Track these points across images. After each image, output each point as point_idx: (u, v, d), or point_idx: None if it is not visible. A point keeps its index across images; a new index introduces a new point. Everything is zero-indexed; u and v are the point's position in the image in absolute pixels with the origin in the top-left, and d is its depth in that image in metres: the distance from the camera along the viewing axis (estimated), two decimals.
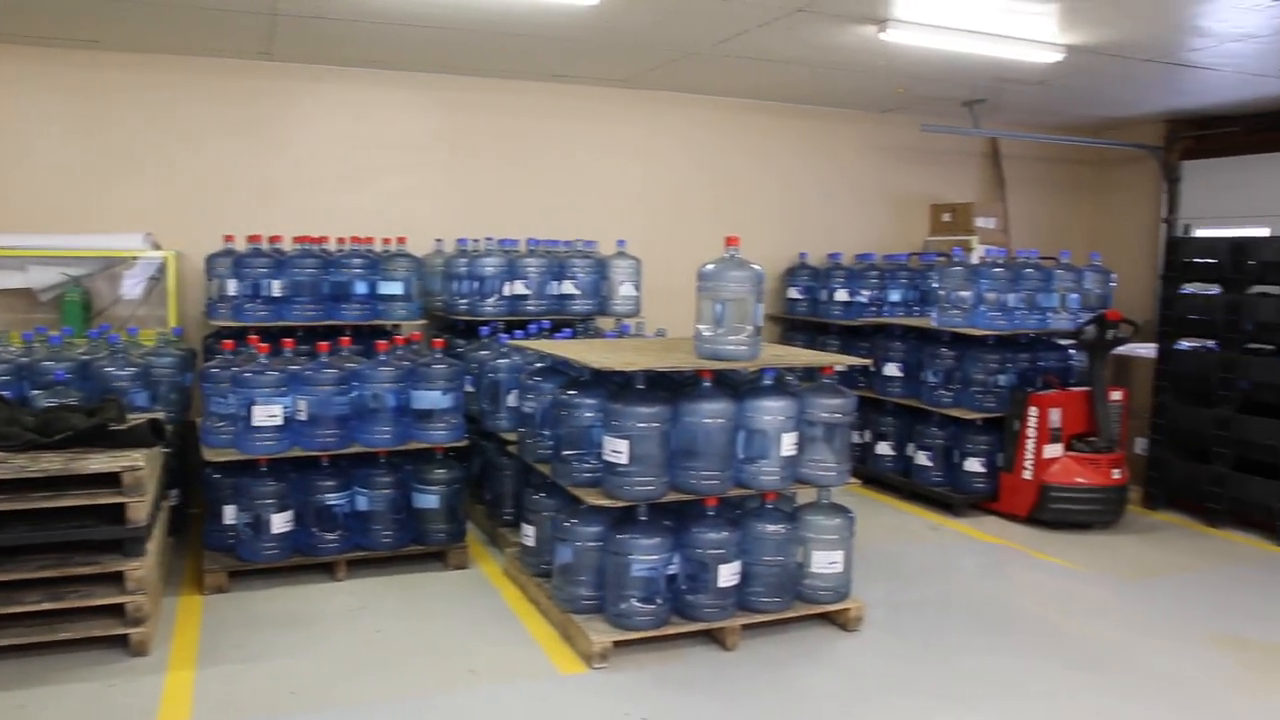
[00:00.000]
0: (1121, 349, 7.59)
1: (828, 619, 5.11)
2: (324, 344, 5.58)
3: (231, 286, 6.33)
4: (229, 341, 5.82)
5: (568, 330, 6.59)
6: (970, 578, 6.00)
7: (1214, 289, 7.24)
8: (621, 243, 7.61)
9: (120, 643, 4.56)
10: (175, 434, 5.94)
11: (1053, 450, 6.87)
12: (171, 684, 4.29)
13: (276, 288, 6.31)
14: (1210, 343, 7.22)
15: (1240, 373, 6.91)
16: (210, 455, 5.38)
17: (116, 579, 4.49)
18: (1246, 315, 6.87)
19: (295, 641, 4.79)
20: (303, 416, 5.40)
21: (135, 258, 6.76)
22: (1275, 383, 6.65)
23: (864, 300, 8.51)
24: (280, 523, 5.41)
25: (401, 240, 6.97)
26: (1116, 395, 7.23)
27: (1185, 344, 7.43)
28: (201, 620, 5.00)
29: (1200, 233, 9.06)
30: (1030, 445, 6.87)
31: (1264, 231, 8.75)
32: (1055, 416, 6.87)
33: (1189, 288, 7.45)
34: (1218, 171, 9.72)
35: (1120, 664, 4.76)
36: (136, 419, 5.01)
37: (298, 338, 5.82)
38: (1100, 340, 6.99)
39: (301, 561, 5.57)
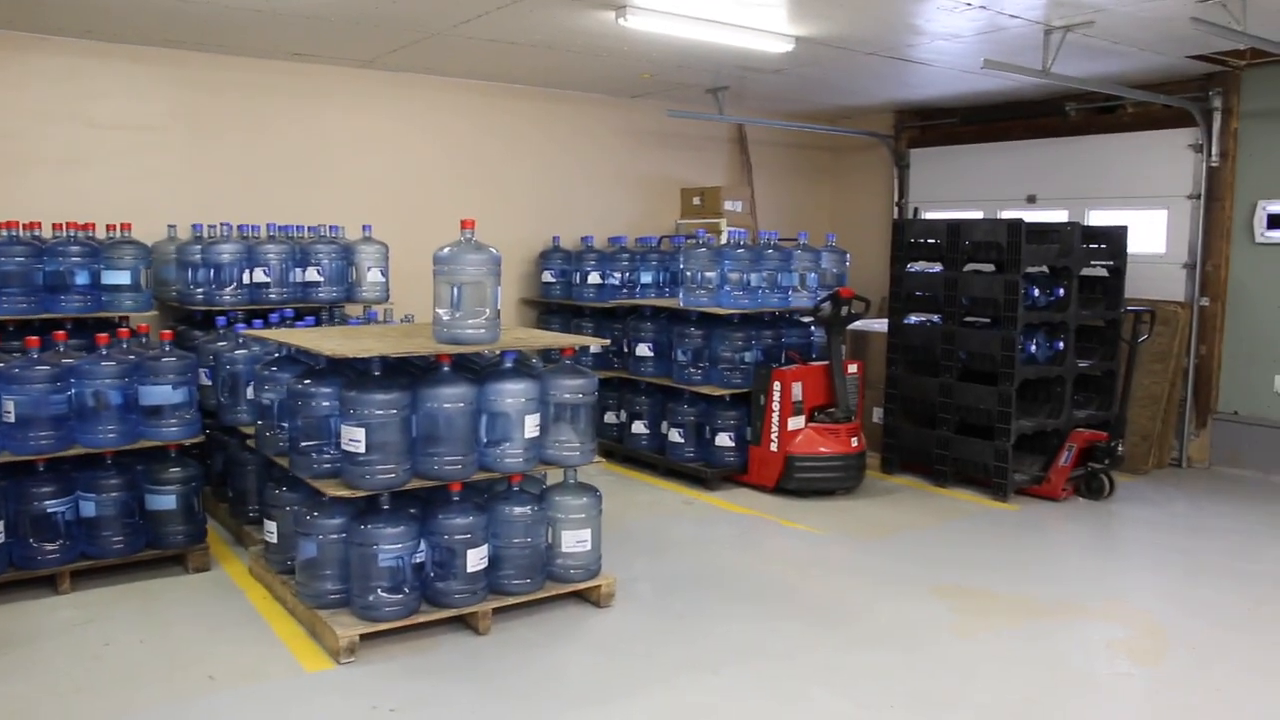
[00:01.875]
0: (858, 324, 8.07)
1: (581, 597, 5.18)
2: (34, 339, 5.14)
3: None
4: None
5: (311, 318, 6.36)
6: (722, 548, 6.23)
7: (936, 267, 7.81)
8: (367, 228, 7.42)
9: None
10: None
11: (796, 422, 7.22)
12: None
13: None
14: (935, 317, 7.77)
15: (959, 344, 7.48)
16: None
17: None
18: (963, 291, 7.45)
19: (9, 664, 4.39)
20: (11, 418, 4.96)
21: None
22: (988, 352, 7.24)
23: (616, 282, 8.66)
24: None
25: (126, 226, 6.51)
26: (853, 368, 7.68)
27: (913, 319, 7.98)
28: None
29: (927, 215, 9.77)
30: (775, 418, 7.20)
31: (978, 213, 9.54)
32: (797, 390, 7.23)
33: (915, 266, 8.00)
34: (940, 159, 10.49)
35: (853, 619, 5.07)
36: None
37: (7, 333, 5.35)
38: (836, 317, 7.39)
39: (17, 576, 5.12)
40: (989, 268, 7.41)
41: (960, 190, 10.23)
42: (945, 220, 7.81)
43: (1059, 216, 8.92)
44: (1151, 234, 8.68)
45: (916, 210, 10.54)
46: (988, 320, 7.42)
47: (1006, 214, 9.16)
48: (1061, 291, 7.39)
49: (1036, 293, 7.37)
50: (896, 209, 10.85)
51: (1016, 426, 7.13)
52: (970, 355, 7.44)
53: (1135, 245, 8.00)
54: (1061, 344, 7.40)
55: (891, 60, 7.81)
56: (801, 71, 8.31)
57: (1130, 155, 8.85)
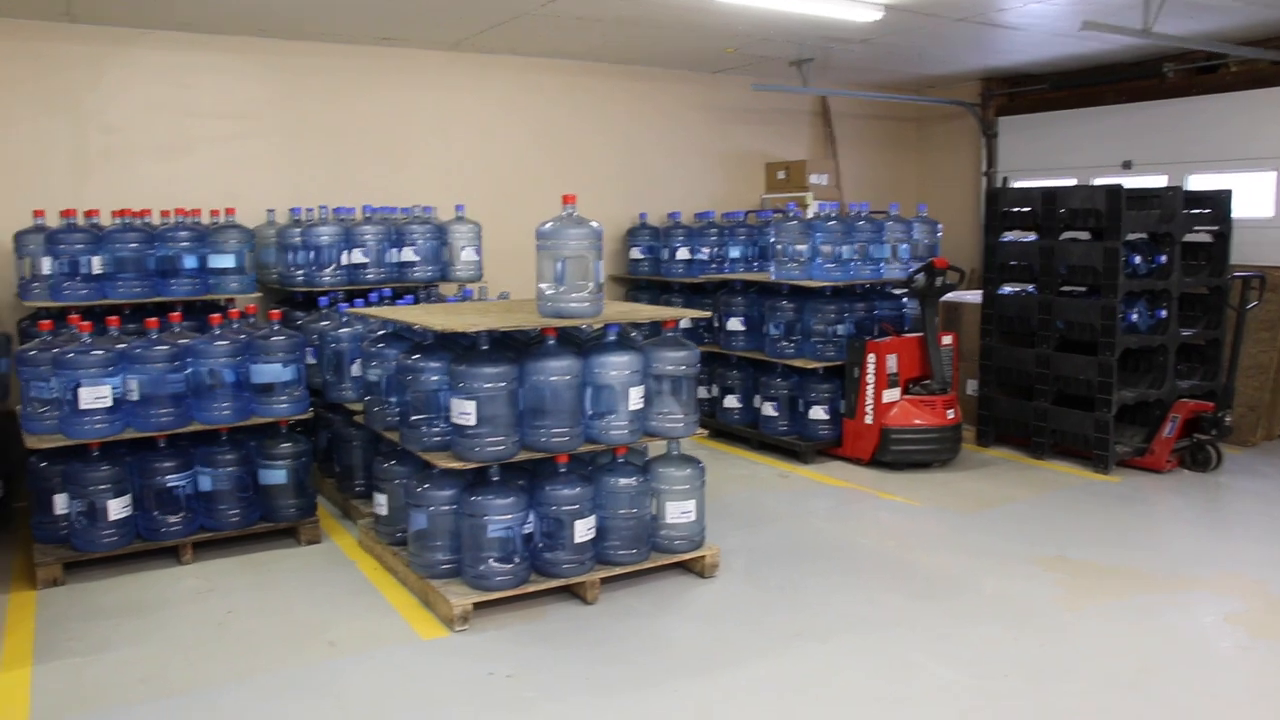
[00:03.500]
0: (950, 295, 7.96)
1: (684, 568, 5.23)
2: (153, 320, 5.33)
3: (46, 265, 5.99)
4: (47, 322, 5.50)
5: (409, 297, 6.49)
6: (819, 521, 6.22)
7: (1030, 236, 7.66)
8: (460, 208, 7.53)
9: None
10: None
11: (891, 395, 7.17)
12: (5, 684, 4.06)
13: (97, 264, 6.01)
14: (1030, 287, 7.64)
15: (1056, 313, 7.34)
16: (34, 442, 5.07)
17: None
18: (1060, 260, 7.30)
19: (141, 629, 4.60)
20: (135, 397, 5.15)
21: None
22: (1087, 321, 7.10)
23: (705, 258, 8.67)
24: (117, 509, 5.17)
25: (230, 211, 6.70)
26: (947, 340, 7.58)
27: (1007, 289, 7.85)
28: (36, 616, 4.74)
29: (1017, 184, 9.58)
30: (870, 391, 7.15)
31: (1071, 181, 9.33)
32: (892, 362, 7.17)
33: (1008, 235, 7.86)
34: (1029, 126, 10.28)
35: (956, 590, 5.04)
36: None
37: (124, 316, 5.55)
38: (930, 288, 7.30)
39: (143, 547, 5.34)
40: (1085, 236, 7.25)
41: (1051, 158, 10.02)
42: (1040, 188, 7.66)
43: (1157, 182, 8.68)
44: (1259, 197, 8.40)
45: (1005, 180, 10.34)
46: (1085, 289, 7.27)
47: (1100, 181, 8.94)
48: (1164, 258, 7.20)
49: (1137, 260, 7.19)
50: (984, 179, 10.67)
51: (1118, 397, 6.98)
52: (1068, 325, 7.30)
53: (1241, 210, 7.74)
54: (1164, 312, 7.22)
55: (981, 26, 7.67)
56: (888, 40, 8.20)
57: (1234, 116, 8.57)
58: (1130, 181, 7.33)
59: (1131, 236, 7.13)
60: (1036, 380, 7.47)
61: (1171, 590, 5.03)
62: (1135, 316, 7.21)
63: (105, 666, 4.22)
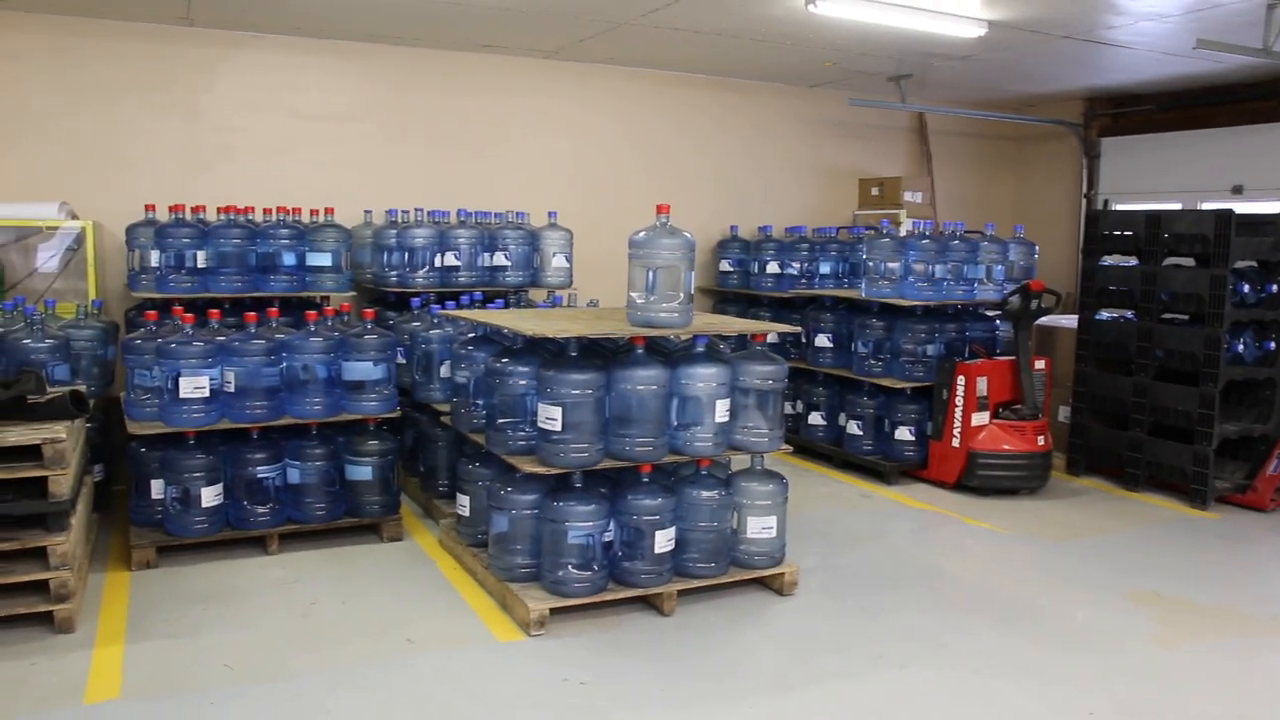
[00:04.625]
0: (1045, 319, 7.77)
1: (762, 584, 5.18)
2: (252, 314, 5.47)
3: (154, 257, 6.19)
4: (153, 312, 5.67)
5: (499, 301, 6.56)
6: (901, 542, 6.12)
7: (1132, 261, 7.45)
8: (553, 214, 7.58)
9: (44, 620, 4.45)
10: (97, 409, 5.80)
11: (980, 418, 7.02)
12: (99, 660, 4.20)
13: (201, 258, 6.19)
14: (1128, 313, 7.42)
15: (1156, 341, 7.12)
16: (135, 428, 5.25)
17: (39, 555, 4.37)
18: (1162, 286, 7.08)
19: (228, 615, 4.72)
20: (231, 388, 5.30)
21: (51, 228, 6.53)
22: (1188, 350, 6.87)
23: (795, 272, 8.60)
24: (210, 496, 5.32)
25: (329, 211, 6.86)
26: (1040, 364, 7.40)
27: (1105, 314, 7.64)
28: (129, 596, 4.90)
29: (1118, 207, 9.32)
30: (958, 414, 7.02)
31: (1176, 206, 9.04)
32: (982, 385, 7.02)
33: (1108, 260, 7.65)
34: (1134, 148, 9.99)
35: (1043, 620, 4.90)
36: (56, 391, 4.87)
37: (223, 309, 5.71)
38: (1025, 310, 7.15)
39: (232, 535, 5.49)
40: (1190, 262, 7.02)
41: (1156, 181, 9.72)
42: (1144, 211, 7.43)
43: (1269, 208, 8.36)
44: None
45: (1107, 202, 10.06)
46: (1188, 317, 7.03)
47: (1208, 206, 8.65)
48: (1275, 288, 6.93)
49: (1245, 288, 6.93)
50: (1085, 201, 10.39)
51: (1219, 430, 6.74)
52: (1168, 354, 7.07)
53: None
54: (1273, 344, 6.95)
55: (1087, 44, 7.48)
56: (990, 57, 8.05)
57: None
58: (1241, 207, 7.08)
59: (1240, 264, 6.88)
60: (1133, 409, 7.24)
61: (1274, 633, 4.82)
62: (1241, 347, 6.95)
63: (193, 649, 4.34)
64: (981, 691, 4.13)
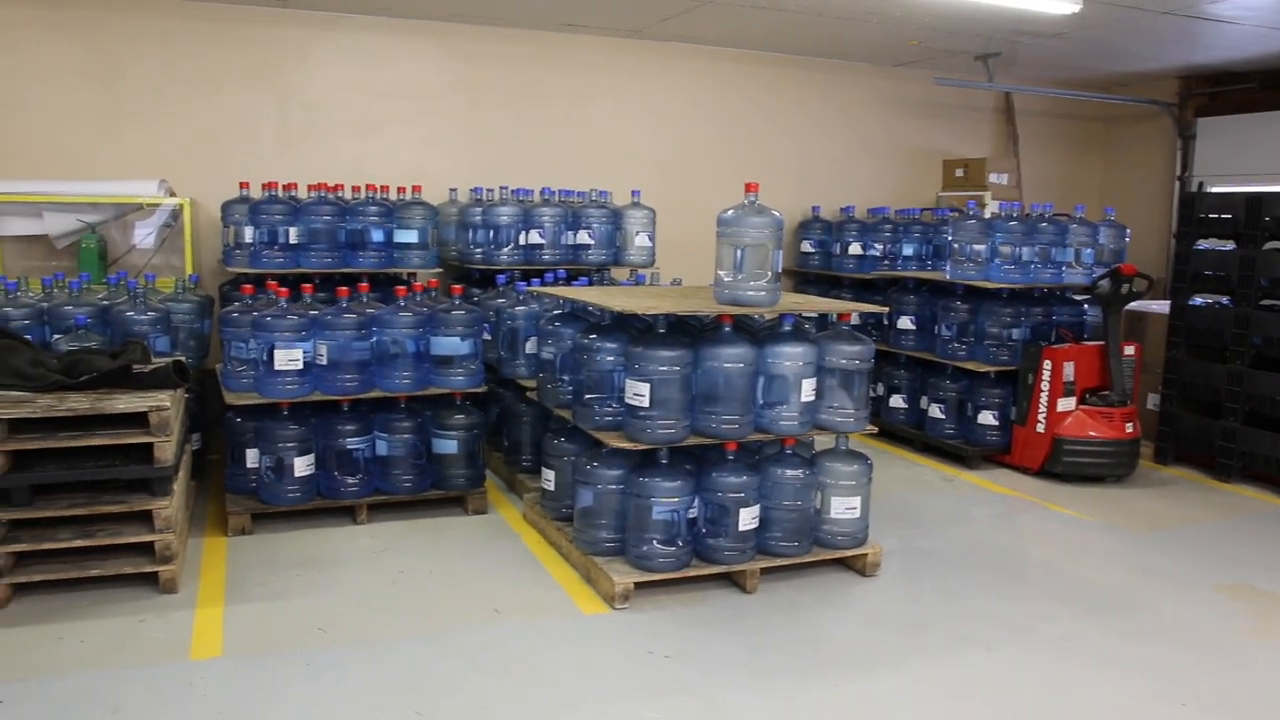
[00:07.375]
0: (1134, 304, 7.61)
1: (845, 564, 5.17)
2: (343, 289, 5.60)
3: (248, 234, 6.35)
4: (249, 286, 5.84)
5: (583, 279, 6.60)
6: (984, 527, 6.06)
7: (1229, 245, 7.24)
8: (636, 193, 7.61)
9: (149, 580, 4.63)
10: (194, 380, 5.98)
11: (1066, 404, 6.90)
12: (201, 619, 4.36)
13: (293, 235, 6.33)
14: (1224, 298, 7.22)
15: (1254, 328, 6.91)
16: (231, 399, 5.42)
17: (145, 518, 4.54)
18: (1261, 271, 6.87)
19: (320, 581, 4.86)
20: (323, 361, 5.43)
21: (151, 204, 6.74)
22: None
23: (877, 254, 8.52)
24: (302, 466, 5.47)
25: (416, 189, 6.97)
26: (1130, 350, 7.25)
27: (1199, 300, 7.44)
28: (226, 560, 5.07)
29: (1214, 189, 9.05)
30: (1043, 399, 6.90)
31: (1278, 189, 8.74)
32: (1069, 370, 6.90)
33: (1203, 244, 7.44)
34: (1233, 128, 9.68)
35: (1129, 610, 4.82)
36: (160, 362, 5.04)
37: (314, 285, 5.84)
38: (1115, 295, 7.00)
39: (323, 505, 5.64)
40: None
41: (1256, 163, 9.41)
42: (1243, 193, 7.20)
43: None
44: None
45: (1202, 184, 9.78)
46: None
47: None
48: None
49: None
50: (1178, 183, 10.11)
51: None
52: (1266, 341, 6.86)
53: None
54: None
55: (1188, 20, 7.26)
56: (1083, 35, 7.85)
57: None
58: None
59: None
60: (1226, 398, 7.05)
61: None
62: None
63: (287, 612, 4.47)
64: (1068, 678, 4.09)
